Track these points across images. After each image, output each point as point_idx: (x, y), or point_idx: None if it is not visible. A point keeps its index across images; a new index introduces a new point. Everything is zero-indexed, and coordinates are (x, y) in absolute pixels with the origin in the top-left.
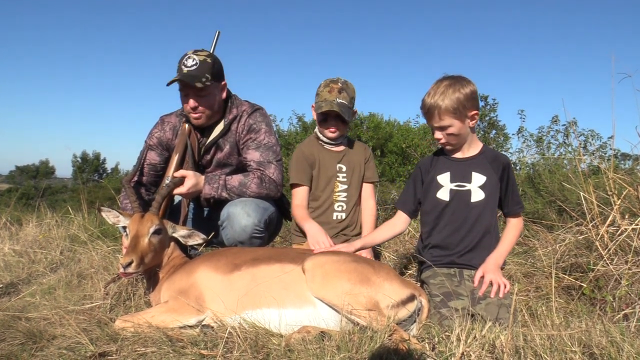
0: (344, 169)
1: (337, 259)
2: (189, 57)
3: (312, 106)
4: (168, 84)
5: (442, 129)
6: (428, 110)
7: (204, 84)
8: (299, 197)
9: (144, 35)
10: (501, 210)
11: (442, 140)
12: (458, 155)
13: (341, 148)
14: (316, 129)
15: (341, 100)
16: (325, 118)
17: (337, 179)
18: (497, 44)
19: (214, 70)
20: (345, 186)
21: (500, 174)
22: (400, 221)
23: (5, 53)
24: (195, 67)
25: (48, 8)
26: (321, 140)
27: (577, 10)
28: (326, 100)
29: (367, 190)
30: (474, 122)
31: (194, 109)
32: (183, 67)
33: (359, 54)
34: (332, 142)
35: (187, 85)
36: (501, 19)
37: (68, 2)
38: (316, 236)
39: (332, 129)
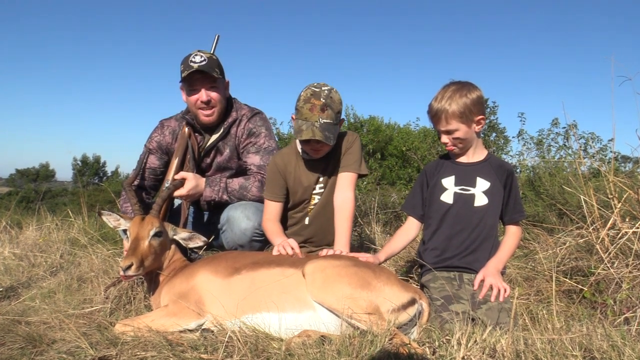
0: (321, 178)
1: (337, 264)
2: (196, 55)
3: (293, 117)
4: (184, 77)
5: (448, 132)
6: (435, 114)
7: (218, 75)
8: (270, 211)
9: (144, 38)
10: (501, 219)
11: (449, 144)
12: (463, 159)
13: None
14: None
15: (325, 120)
16: (308, 140)
17: (314, 191)
18: (497, 47)
19: (220, 67)
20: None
21: (505, 182)
22: (412, 227)
23: (5, 55)
24: (205, 62)
25: (49, 10)
26: (301, 153)
27: (577, 12)
28: (307, 120)
29: (342, 179)
30: (480, 127)
31: (207, 102)
32: (192, 63)
33: (359, 56)
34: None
35: (202, 77)
36: (501, 21)
37: (69, 4)
38: (284, 243)
39: (315, 152)
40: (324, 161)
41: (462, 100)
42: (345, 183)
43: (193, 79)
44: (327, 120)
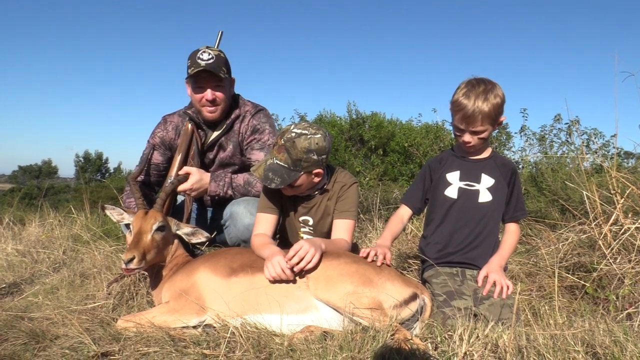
0: (310, 222)
1: (337, 262)
2: (204, 52)
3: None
4: (191, 75)
5: (476, 133)
6: (472, 114)
7: (224, 75)
8: (263, 224)
9: (146, 35)
10: (502, 217)
11: (471, 144)
12: (469, 155)
13: (313, 199)
14: None
15: (277, 161)
16: None
17: (302, 230)
18: (500, 43)
19: (227, 64)
20: (312, 236)
21: (509, 180)
22: (406, 214)
23: (7, 52)
24: (212, 60)
25: (51, 7)
26: None
27: (580, 8)
28: (267, 156)
29: (337, 227)
30: (497, 126)
31: (212, 101)
32: (200, 60)
33: (362, 52)
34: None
35: (209, 76)
36: (503, 16)
37: (71, 2)
38: (274, 262)
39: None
40: (313, 201)
41: (496, 100)
42: (341, 229)
43: (200, 77)
44: (279, 162)
